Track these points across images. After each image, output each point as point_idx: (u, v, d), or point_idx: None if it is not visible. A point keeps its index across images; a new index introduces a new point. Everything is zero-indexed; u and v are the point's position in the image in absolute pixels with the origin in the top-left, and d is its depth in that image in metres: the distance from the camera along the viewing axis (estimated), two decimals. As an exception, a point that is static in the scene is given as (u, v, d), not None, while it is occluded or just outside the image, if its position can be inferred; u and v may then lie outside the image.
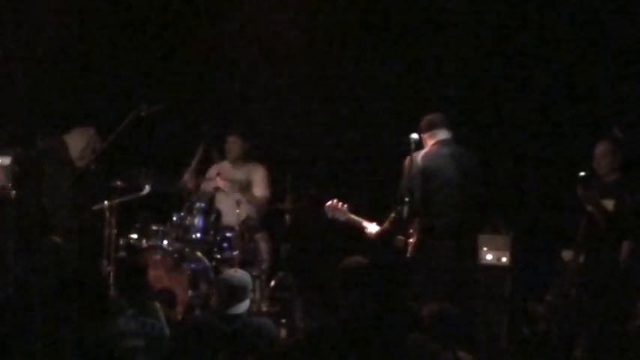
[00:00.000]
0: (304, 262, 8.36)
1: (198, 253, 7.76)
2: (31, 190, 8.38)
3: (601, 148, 6.97)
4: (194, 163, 8.21)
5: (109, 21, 8.97)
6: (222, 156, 8.49)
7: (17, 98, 8.63)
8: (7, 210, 7.98)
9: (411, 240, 6.21)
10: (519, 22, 8.14)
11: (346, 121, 8.69)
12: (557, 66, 8.07)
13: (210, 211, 8.06)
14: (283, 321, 7.72)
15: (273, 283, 8.03)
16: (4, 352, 4.38)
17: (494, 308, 7.62)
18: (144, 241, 7.87)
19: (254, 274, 7.32)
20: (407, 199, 6.09)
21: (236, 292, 5.42)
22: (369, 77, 8.56)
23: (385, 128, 8.31)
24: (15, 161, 8.21)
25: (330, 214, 6.61)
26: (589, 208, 6.85)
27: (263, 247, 8.19)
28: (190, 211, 7.89)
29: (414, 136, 6.21)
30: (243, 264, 7.59)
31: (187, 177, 8.19)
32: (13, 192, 8.04)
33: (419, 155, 6.30)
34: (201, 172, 8.33)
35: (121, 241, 7.86)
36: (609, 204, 6.82)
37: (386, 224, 6.41)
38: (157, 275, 7.55)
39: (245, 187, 8.21)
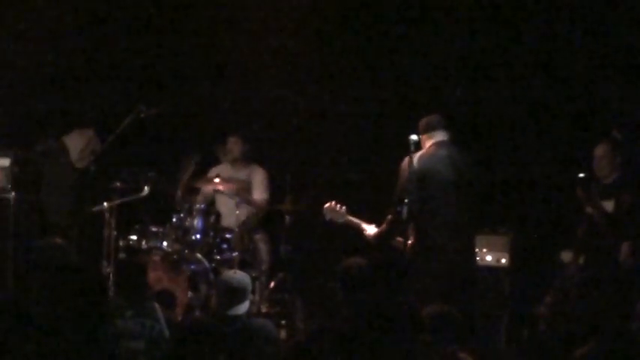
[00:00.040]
0: (304, 263, 8.35)
1: (198, 255, 7.75)
2: (30, 191, 8.38)
3: (600, 150, 6.97)
4: (185, 177, 8.14)
5: (109, 22, 8.96)
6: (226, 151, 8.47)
7: (17, 99, 8.63)
8: (7, 211, 7.99)
9: (409, 241, 6.20)
10: (519, 22, 8.14)
11: (346, 121, 8.69)
12: (557, 66, 8.07)
13: (210, 212, 8.06)
14: (283, 322, 7.70)
15: (272, 284, 8.02)
16: (4, 352, 4.37)
17: (494, 309, 7.62)
18: (143, 243, 7.86)
19: (254, 275, 7.31)
20: (406, 200, 6.08)
21: (236, 294, 5.43)
22: (369, 78, 8.56)
23: (385, 129, 8.32)
24: (14, 163, 8.22)
25: (328, 216, 6.57)
26: (588, 209, 6.86)
27: (262, 248, 8.19)
28: (190, 213, 7.88)
29: (414, 137, 6.20)
30: (243, 265, 7.60)
31: (180, 193, 8.11)
32: (13, 193, 8.05)
33: (416, 157, 6.30)
34: (199, 174, 8.29)
35: (121, 243, 7.84)
36: (609, 205, 6.83)
37: (384, 226, 6.39)
38: (157, 276, 7.55)
39: (245, 187, 8.21)
